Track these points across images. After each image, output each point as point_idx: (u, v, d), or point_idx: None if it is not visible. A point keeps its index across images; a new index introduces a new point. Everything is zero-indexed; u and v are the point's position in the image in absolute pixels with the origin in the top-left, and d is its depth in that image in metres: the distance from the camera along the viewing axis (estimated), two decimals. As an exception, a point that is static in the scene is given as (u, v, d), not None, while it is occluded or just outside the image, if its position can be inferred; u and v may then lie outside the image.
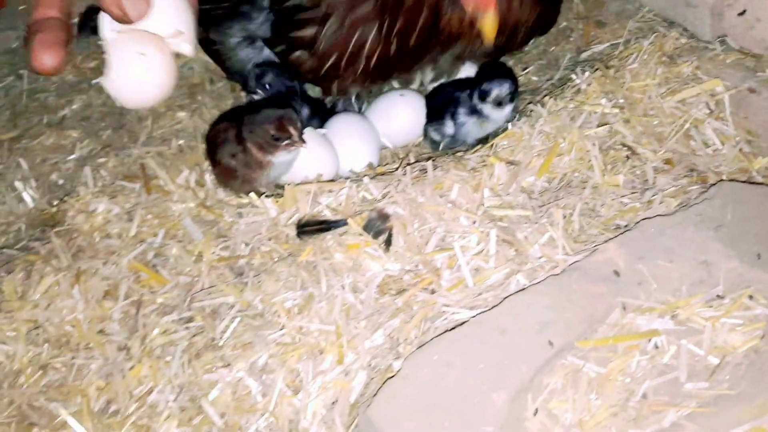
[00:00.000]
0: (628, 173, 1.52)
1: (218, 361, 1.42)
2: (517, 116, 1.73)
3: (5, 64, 2.40)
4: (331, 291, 1.44)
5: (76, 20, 2.49)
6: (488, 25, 1.54)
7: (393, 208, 1.50)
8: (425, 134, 1.91)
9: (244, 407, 1.36)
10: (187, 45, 2.13)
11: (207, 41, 2.07)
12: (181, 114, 2.07)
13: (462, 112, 1.80)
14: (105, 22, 2.10)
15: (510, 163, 1.58)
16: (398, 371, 1.23)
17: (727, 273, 1.28)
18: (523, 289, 1.30)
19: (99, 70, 2.29)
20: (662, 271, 1.29)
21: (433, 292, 1.40)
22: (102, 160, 1.91)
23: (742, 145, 1.57)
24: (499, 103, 1.74)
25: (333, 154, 1.76)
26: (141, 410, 1.41)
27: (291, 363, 1.37)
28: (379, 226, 1.49)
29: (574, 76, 1.74)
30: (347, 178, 1.66)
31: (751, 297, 1.25)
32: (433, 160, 1.62)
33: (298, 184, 1.63)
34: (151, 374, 1.44)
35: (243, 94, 2.06)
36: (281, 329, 1.42)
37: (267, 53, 1.94)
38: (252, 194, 1.66)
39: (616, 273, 1.30)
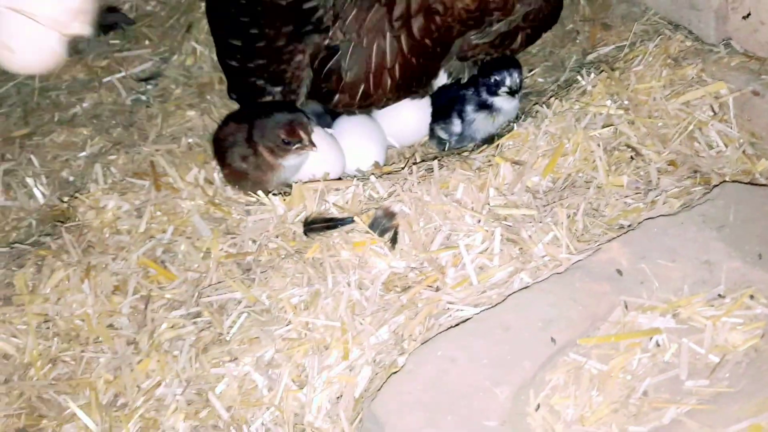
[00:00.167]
0: (632, 174, 1.54)
1: (225, 356, 1.43)
2: (523, 116, 1.75)
3: (17, 63, 2.44)
4: (337, 287, 1.45)
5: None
6: None
7: (399, 206, 1.52)
8: (431, 133, 1.93)
9: (250, 401, 1.38)
10: (82, 25, 2.23)
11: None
12: (191, 113, 2.09)
13: (470, 108, 1.81)
14: None
15: (515, 163, 1.59)
16: (402, 366, 1.24)
17: (728, 273, 1.29)
18: (527, 287, 1.32)
19: (110, 69, 2.33)
20: (664, 271, 1.30)
21: (437, 289, 1.42)
22: (112, 157, 1.94)
23: (746, 147, 1.58)
24: (512, 92, 1.75)
25: (340, 154, 1.78)
26: (148, 403, 1.43)
27: (297, 358, 1.39)
28: (385, 224, 1.51)
29: (579, 78, 1.76)
30: (354, 177, 1.68)
31: (752, 297, 1.26)
32: (439, 160, 1.64)
33: (305, 183, 1.65)
34: (159, 368, 1.46)
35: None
36: (288, 325, 1.44)
37: None
38: (260, 192, 1.68)
39: (619, 272, 1.31)
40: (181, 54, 2.31)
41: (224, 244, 1.62)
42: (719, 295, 1.28)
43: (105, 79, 2.27)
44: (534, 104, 1.78)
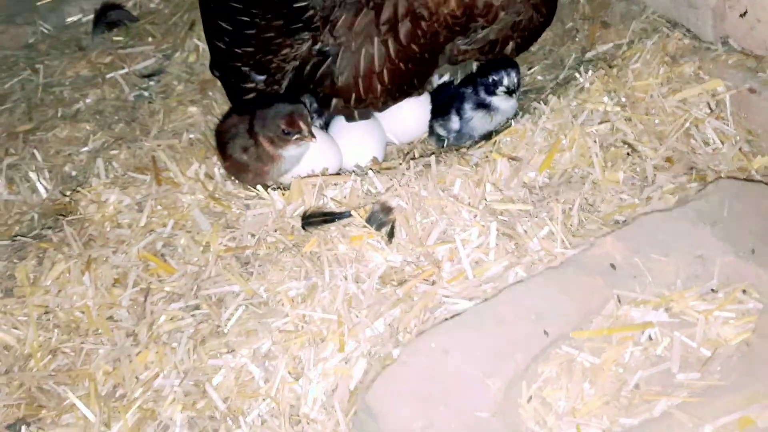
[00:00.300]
0: (628, 170, 1.55)
1: (223, 348, 1.45)
2: (521, 113, 1.76)
3: (22, 59, 2.47)
4: (334, 281, 1.47)
5: (91, 16, 2.56)
6: None
7: (396, 201, 1.54)
8: (431, 130, 1.94)
9: (246, 392, 1.39)
10: None
11: None
12: (193, 109, 2.11)
13: (468, 107, 1.83)
14: None
15: (512, 158, 1.61)
16: (397, 358, 1.25)
17: (721, 267, 1.30)
18: (521, 280, 1.32)
19: (113, 66, 2.35)
20: (658, 265, 1.31)
21: (433, 283, 1.43)
22: (114, 152, 1.96)
23: (742, 145, 1.59)
24: (510, 92, 1.77)
25: (336, 150, 1.80)
26: (147, 394, 1.45)
27: (293, 350, 1.41)
28: (382, 219, 1.52)
29: (577, 75, 1.77)
30: (352, 172, 1.69)
31: (744, 291, 1.27)
32: (437, 156, 1.65)
33: (304, 178, 1.67)
34: (158, 360, 1.48)
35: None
36: (285, 317, 1.45)
37: None
38: (259, 186, 1.70)
39: (613, 266, 1.32)
40: (183, 51, 2.33)
41: (223, 238, 1.64)
42: (712, 290, 1.29)
43: (108, 76, 2.29)
44: (532, 101, 1.79)
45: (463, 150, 1.72)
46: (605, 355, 1.23)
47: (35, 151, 2.05)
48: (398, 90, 1.78)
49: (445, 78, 1.95)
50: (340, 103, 1.79)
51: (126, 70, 2.30)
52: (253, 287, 1.52)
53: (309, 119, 1.68)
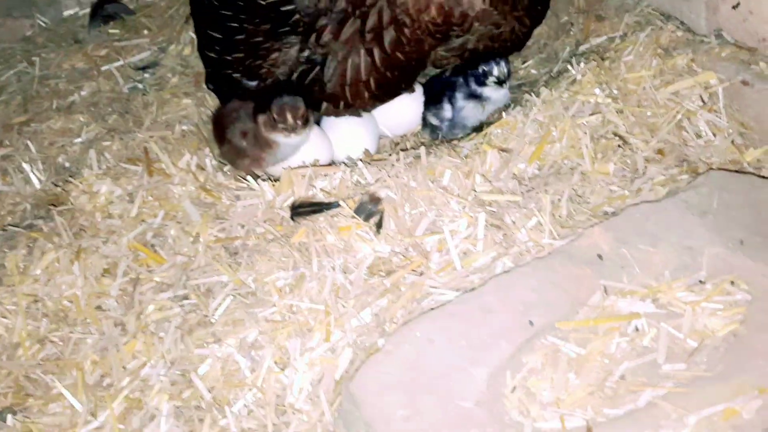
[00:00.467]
0: (619, 162, 1.54)
1: (209, 337, 1.44)
2: (513, 105, 1.76)
3: (19, 51, 2.47)
4: (322, 271, 1.46)
5: (88, 10, 2.56)
6: None
7: (385, 191, 1.53)
8: (424, 121, 1.93)
9: (232, 382, 1.39)
10: None
11: None
12: (186, 101, 2.12)
13: (460, 96, 1.82)
14: None
15: (503, 150, 1.60)
16: (381, 347, 1.24)
17: (710, 259, 1.29)
18: (508, 270, 1.32)
19: (109, 58, 2.35)
20: (646, 256, 1.30)
21: (421, 274, 1.42)
22: (107, 143, 1.96)
23: (735, 137, 1.58)
24: (500, 82, 1.76)
25: (328, 142, 1.80)
26: (133, 384, 1.44)
27: (280, 340, 1.40)
28: (370, 209, 1.51)
29: (569, 67, 1.76)
30: (342, 163, 1.69)
31: (732, 282, 1.26)
32: (428, 147, 1.64)
33: (294, 168, 1.66)
34: (145, 349, 1.48)
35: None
36: (272, 307, 1.44)
37: None
38: (249, 177, 1.69)
39: (600, 257, 1.31)
40: (179, 44, 2.34)
41: (213, 229, 1.63)
42: (700, 281, 1.28)
43: (103, 68, 2.30)
44: (524, 93, 1.79)
45: (454, 142, 1.72)
46: (591, 345, 1.21)
47: (29, 142, 2.05)
48: (386, 94, 1.81)
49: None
50: (329, 107, 1.81)
51: (121, 62, 2.31)
52: (242, 277, 1.51)
53: (300, 114, 1.68)
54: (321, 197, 1.58)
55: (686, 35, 1.75)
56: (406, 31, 1.66)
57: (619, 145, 1.57)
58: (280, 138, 1.71)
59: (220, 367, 1.41)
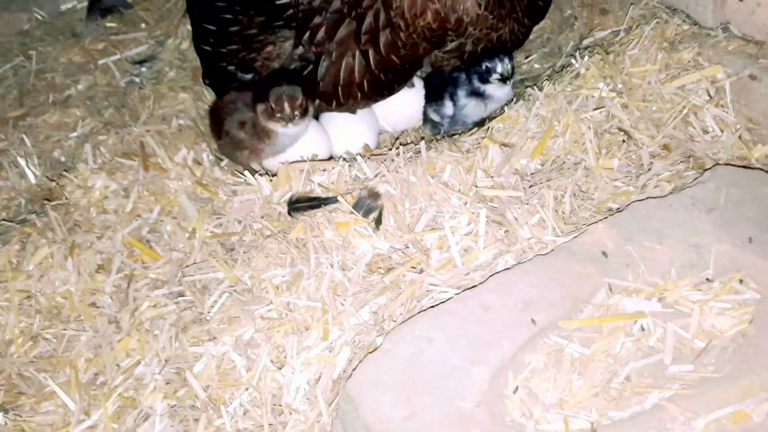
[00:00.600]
0: (624, 157, 1.50)
1: (205, 335, 1.42)
2: (515, 99, 1.72)
3: (16, 45, 2.44)
4: (319, 268, 1.43)
5: (86, 3, 2.53)
6: None
7: (384, 187, 1.50)
8: (425, 117, 1.90)
9: (228, 381, 1.36)
10: None
11: None
12: (183, 95, 2.09)
13: (461, 93, 1.79)
14: None
15: (504, 145, 1.57)
16: (379, 346, 1.21)
17: (717, 256, 1.25)
18: (509, 268, 1.28)
19: (106, 52, 2.32)
20: (651, 253, 1.26)
21: (421, 271, 1.39)
22: (103, 137, 1.93)
23: (742, 132, 1.54)
24: (504, 79, 1.73)
25: (326, 137, 1.77)
26: (127, 382, 1.42)
27: (277, 338, 1.37)
28: (369, 205, 1.48)
29: (573, 61, 1.72)
30: (340, 158, 1.66)
31: (741, 281, 1.22)
32: (428, 142, 1.61)
33: (291, 163, 1.63)
34: (139, 347, 1.45)
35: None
36: (269, 305, 1.41)
37: None
38: (246, 172, 1.66)
39: (604, 254, 1.28)
40: (176, 38, 2.31)
41: (210, 225, 1.61)
42: (707, 279, 1.24)
43: (100, 62, 2.27)
44: (527, 87, 1.75)
45: (455, 137, 1.68)
46: (595, 345, 1.18)
47: (24, 136, 2.02)
48: (378, 95, 1.80)
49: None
50: (321, 104, 1.80)
51: (118, 56, 2.27)
52: (238, 274, 1.48)
53: (298, 104, 1.66)
54: (319, 192, 1.55)
55: (692, 28, 1.72)
56: (402, 34, 1.66)
57: (623, 140, 1.53)
58: (278, 128, 1.68)
59: (215, 366, 1.38)
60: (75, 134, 2.00)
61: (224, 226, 1.60)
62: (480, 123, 1.75)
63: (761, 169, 1.43)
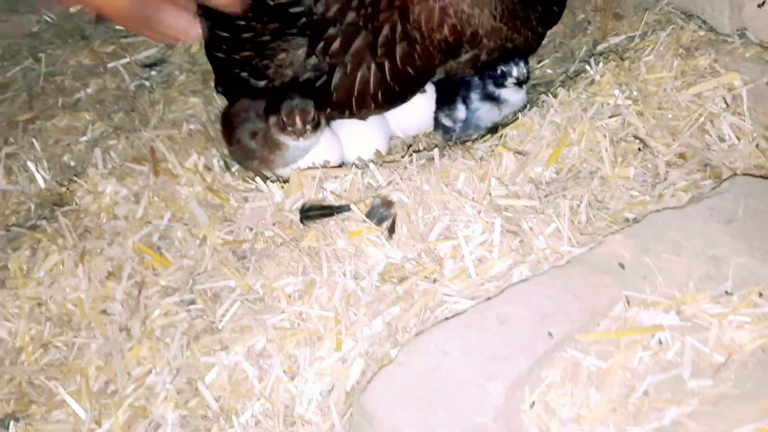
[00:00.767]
0: (639, 166, 1.49)
1: (216, 345, 1.41)
2: (528, 106, 1.71)
3: (25, 47, 2.43)
4: (332, 277, 1.42)
5: (95, 5, 2.52)
6: None
7: (397, 195, 1.49)
8: (436, 122, 1.89)
9: (240, 391, 1.35)
10: None
11: None
12: (194, 99, 2.08)
13: (475, 96, 1.78)
14: None
15: (518, 153, 1.55)
16: (394, 359, 1.20)
17: (736, 269, 1.24)
18: (525, 279, 1.27)
19: (115, 55, 2.31)
20: (669, 265, 1.25)
21: (435, 281, 1.38)
22: (113, 142, 1.92)
23: (759, 141, 1.52)
24: (520, 83, 1.72)
25: (338, 143, 1.76)
26: (138, 391, 1.41)
27: (289, 348, 1.36)
28: (382, 213, 1.47)
29: (588, 68, 1.71)
30: (353, 165, 1.64)
31: (760, 294, 1.21)
32: (441, 149, 1.60)
33: (303, 170, 1.62)
34: (150, 356, 1.44)
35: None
36: (281, 314, 1.40)
37: None
38: (258, 179, 1.65)
39: (621, 265, 1.26)
40: (186, 41, 2.29)
41: (221, 231, 1.60)
42: (726, 292, 1.23)
43: (110, 65, 2.26)
44: (541, 94, 1.74)
45: (468, 143, 1.67)
46: (612, 359, 1.17)
47: (34, 140, 2.01)
48: (391, 104, 1.81)
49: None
50: (334, 113, 1.80)
51: (128, 59, 2.26)
52: (249, 282, 1.47)
53: (310, 118, 1.65)
54: (331, 200, 1.54)
55: (708, 35, 1.70)
56: (418, 47, 1.66)
57: (639, 149, 1.52)
58: (289, 141, 1.67)
59: (227, 376, 1.37)
60: (85, 138, 1.99)
61: (235, 233, 1.59)
62: (493, 129, 1.73)
63: (780, 180, 1.41)
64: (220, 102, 2.04)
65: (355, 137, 1.80)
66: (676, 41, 1.68)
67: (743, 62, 1.61)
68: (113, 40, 2.37)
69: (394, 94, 1.74)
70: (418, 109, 1.88)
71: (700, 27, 1.73)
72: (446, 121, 1.85)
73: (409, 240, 1.44)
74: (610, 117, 1.57)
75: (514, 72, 1.71)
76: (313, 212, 1.51)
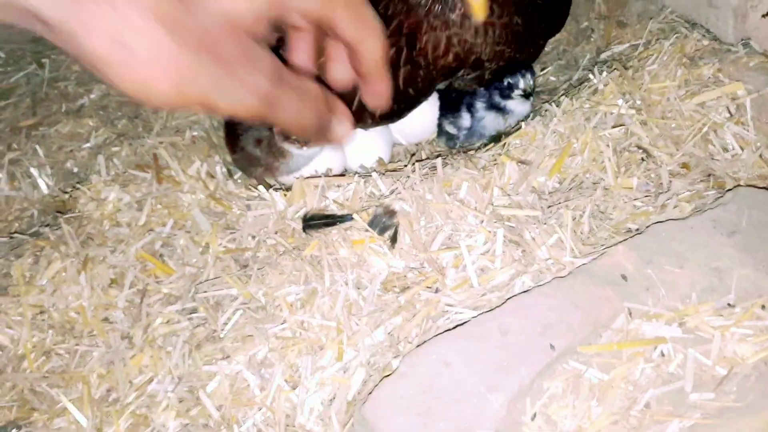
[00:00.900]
0: (643, 176, 1.48)
1: (218, 353, 1.40)
2: (531, 115, 1.70)
3: (29, 53, 2.44)
4: (334, 286, 1.42)
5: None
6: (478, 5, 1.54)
7: (400, 204, 1.48)
8: (439, 129, 1.88)
9: (241, 400, 1.35)
10: None
11: None
12: (197, 106, 2.07)
13: (480, 106, 1.77)
14: None
15: (521, 162, 1.55)
16: (396, 369, 1.20)
17: (739, 281, 1.23)
18: (527, 290, 1.27)
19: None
20: (672, 277, 1.24)
21: (437, 290, 1.37)
22: (116, 148, 1.93)
23: (763, 151, 1.52)
24: (527, 95, 1.72)
25: (340, 150, 1.76)
26: (140, 399, 1.41)
27: (290, 358, 1.36)
28: (385, 223, 1.47)
29: (591, 76, 1.70)
30: (355, 173, 1.64)
31: (763, 307, 1.20)
32: (444, 158, 1.60)
33: (306, 178, 1.62)
34: (152, 364, 1.44)
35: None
36: (283, 323, 1.40)
37: None
38: (260, 187, 1.65)
39: (624, 277, 1.26)
40: (189, 46, 2.29)
41: (223, 239, 1.60)
42: (729, 304, 1.22)
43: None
44: (544, 103, 1.73)
45: (471, 152, 1.67)
46: (614, 371, 1.16)
47: (37, 146, 2.02)
48: (389, 120, 1.82)
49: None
50: None
51: (132, 65, 2.26)
52: (252, 291, 1.47)
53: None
54: (334, 209, 1.54)
55: (712, 44, 1.69)
56: (421, 71, 1.67)
57: (642, 159, 1.51)
58: (293, 149, 1.68)
59: (228, 385, 1.37)
60: (88, 145, 2.00)
61: (238, 242, 1.59)
62: (495, 138, 1.73)
63: (784, 191, 1.40)
64: (223, 108, 2.04)
65: (357, 145, 1.80)
66: (679, 50, 1.68)
67: (747, 72, 1.60)
68: (117, 46, 2.37)
69: (391, 112, 1.75)
70: (421, 117, 1.88)
71: (703, 36, 1.72)
72: (450, 129, 1.85)
73: (411, 249, 1.44)
74: (614, 126, 1.56)
75: (521, 84, 1.71)
76: (315, 221, 1.51)
